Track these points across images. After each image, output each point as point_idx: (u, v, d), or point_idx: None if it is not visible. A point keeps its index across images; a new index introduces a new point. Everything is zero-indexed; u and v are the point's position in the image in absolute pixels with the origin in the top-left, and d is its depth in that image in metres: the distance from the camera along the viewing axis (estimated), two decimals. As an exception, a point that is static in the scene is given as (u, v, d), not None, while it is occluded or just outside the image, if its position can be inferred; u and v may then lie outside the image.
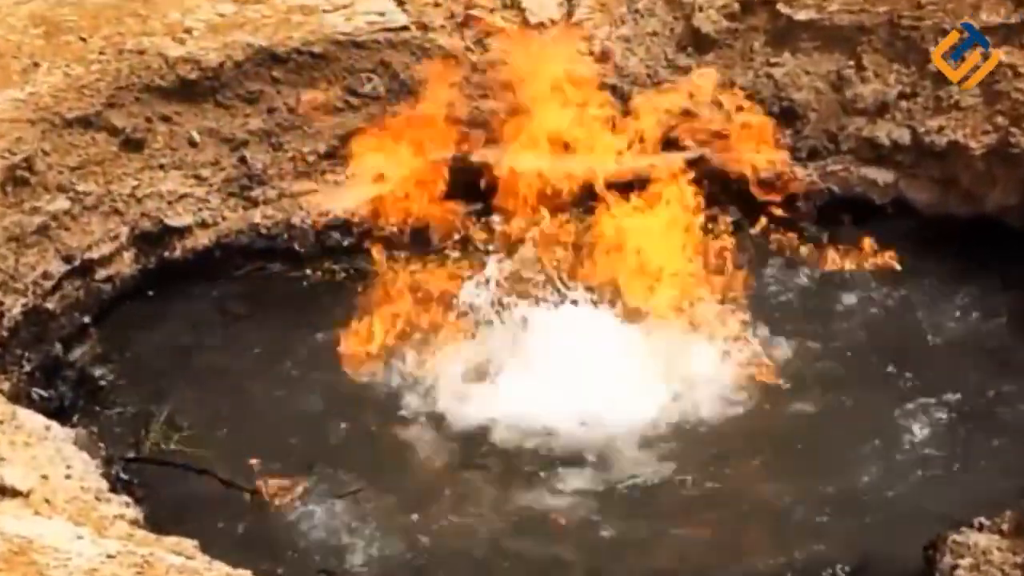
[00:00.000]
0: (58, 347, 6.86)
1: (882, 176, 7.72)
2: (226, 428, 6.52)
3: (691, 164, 7.65)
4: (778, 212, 7.65)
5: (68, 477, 5.16)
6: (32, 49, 7.20)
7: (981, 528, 4.95)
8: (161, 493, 5.95)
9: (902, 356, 6.84)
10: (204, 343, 7.16)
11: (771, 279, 7.43)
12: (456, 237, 7.68)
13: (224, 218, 7.56)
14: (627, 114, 7.70)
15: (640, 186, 7.43)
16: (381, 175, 7.70)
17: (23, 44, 7.24)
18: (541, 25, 7.78)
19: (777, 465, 6.24)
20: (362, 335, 6.85)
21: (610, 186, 7.42)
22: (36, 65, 7.10)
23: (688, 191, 7.29)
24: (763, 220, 7.70)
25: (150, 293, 7.41)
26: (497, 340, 6.83)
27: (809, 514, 5.91)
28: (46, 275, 6.82)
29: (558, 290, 7.00)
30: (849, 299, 7.31)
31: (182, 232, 7.44)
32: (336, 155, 7.73)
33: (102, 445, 5.97)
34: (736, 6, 7.90)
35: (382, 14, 7.71)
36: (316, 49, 7.57)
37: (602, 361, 6.62)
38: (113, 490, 5.35)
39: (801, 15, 7.80)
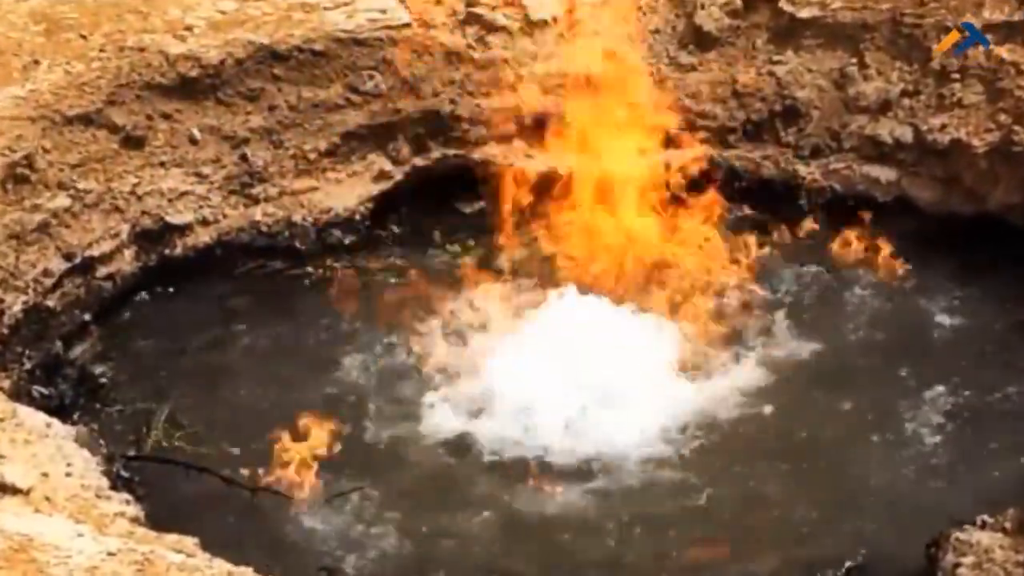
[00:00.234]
0: (59, 345, 6.85)
1: (885, 174, 7.70)
2: (227, 426, 6.51)
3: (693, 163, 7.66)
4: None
5: (69, 475, 5.16)
6: (33, 46, 7.19)
7: (984, 526, 4.94)
8: (162, 491, 5.94)
9: (904, 354, 6.83)
10: (205, 341, 7.15)
11: (773, 278, 7.41)
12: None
13: (225, 216, 7.55)
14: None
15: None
16: (383, 172, 7.71)
17: (24, 41, 7.23)
18: (543, 22, 7.75)
19: (779, 462, 6.23)
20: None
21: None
22: (36, 62, 7.09)
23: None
24: (765, 218, 7.70)
25: (151, 291, 7.40)
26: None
27: (811, 511, 5.90)
28: (47, 273, 6.81)
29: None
30: (851, 297, 7.30)
31: (183, 230, 7.43)
32: (337, 152, 7.72)
33: (103, 443, 5.97)
34: (738, 3, 7.88)
35: (384, 11, 7.70)
36: (317, 47, 7.56)
37: (611, 354, 6.62)
38: (114, 488, 5.35)
39: (804, 12, 7.78)
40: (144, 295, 7.39)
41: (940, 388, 6.54)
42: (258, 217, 7.62)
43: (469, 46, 7.76)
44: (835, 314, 7.19)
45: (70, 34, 7.30)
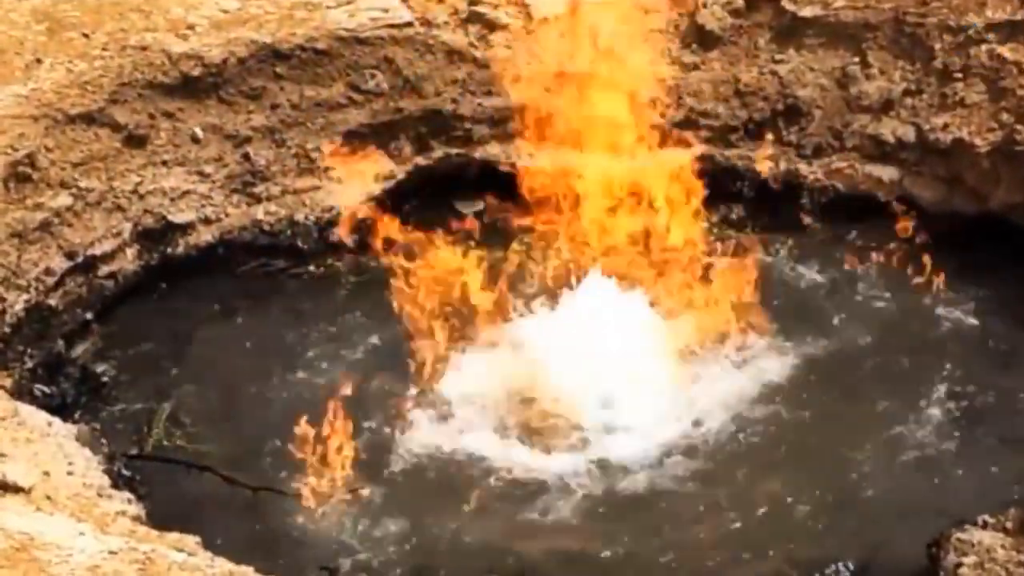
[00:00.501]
0: (60, 343, 6.85)
1: (887, 174, 7.70)
2: (228, 425, 6.52)
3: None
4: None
5: (70, 474, 5.16)
6: (35, 45, 7.20)
7: (985, 526, 4.94)
8: (163, 490, 5.95)
9: (906, 353, 6.83)
10: (207, 340, 7.15)
11: (774, 277, 7.40)
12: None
13: (227, 215, 7.55)
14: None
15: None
16: (386, 171, 7.71)
17: (26, 40, 7.23)
18: (545, 20, 7.75)
19: (781, 462, 6.23)
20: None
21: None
22: (39, 61, 7.09)
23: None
24: (766, 217, 7.70)
25: (152, 290, 7.40)
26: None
27: (813, 511, 5.91)
28: (48, 271, 6.82)
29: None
30: (853, 297, 7.29)
31: (185, 229, 7.43)
32: (339, 151, 7.71)
33: (104, 442, 5.98)
34: (741, 2, 7.87)
35: (386, 10, 7.70)
36: (319, 45, 7.56)
37: (614, 355, 6.63)
38: (115, 487, 5.36)
39: (806, 11, 7.78)
40: (146, 294, 7.38)
41: (941, 387, 6.55)
42: (260, 216, 7.62)
43: (471, 44, 7.75)
44: (835, 313, 7.17)
45: (72, 33, 7.30)
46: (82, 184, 7.02)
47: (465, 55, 7.75)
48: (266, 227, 7.62)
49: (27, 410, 5.62)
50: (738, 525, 5.87)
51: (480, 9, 7.76)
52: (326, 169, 7.70)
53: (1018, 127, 7.23)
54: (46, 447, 5.28)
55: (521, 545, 5.81)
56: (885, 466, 6.14)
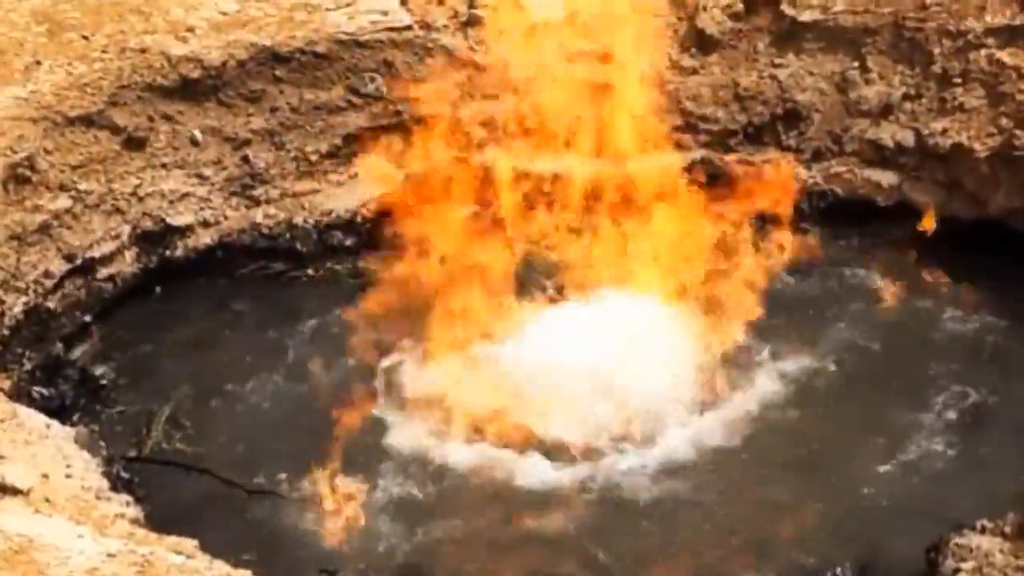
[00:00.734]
0: (59, 346, 6.86)
1: (886, 178, 7.70)
2: (227, 427, 6.51)
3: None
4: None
5: (69, 476, 5.16)
6: (35, 47, 7.20)
7: (983, 531, 4.94)
8: (162, 492, 5.95)
9: (905, 358, 6.84)
10: (205, 342, 7.15)
11: (775, 280, 7.40)
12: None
13: (226, 217, 7.55)
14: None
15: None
16: (384, 175, 7.71)
17: (26, 41, 7.23)
18: (543, 23, 7.75)
19: (780, 466, 6.23)
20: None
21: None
22: (38, 63, 7.09)
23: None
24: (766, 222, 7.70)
25: (151, 293, 7.40)
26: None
27: (811, 516, 5.91)
28: (47, 274, 6.81)
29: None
30: (852, 301, 7.29)
31: (184, 231, 7.44)
32: (338, 154, 7.72)
33: (103, 444, 5.97)
34: (740, 6, 7.87)
35: (385, 13, 7.70)
36: (319, 48, 7.56)
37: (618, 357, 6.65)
38: (114, 489, 5.36)
39: (805, 16, 7.78)
40: (145, 296, 7.38)
41: (940, 392, 6.55)
42: (259, 219, 7.62)
43: (471, 48, 7.75)
44: (835, 317, 7.18)
45: (72, 35, 7.30)
46: (81, 186, 7.02)
47: (465, 58, 7.75)
48: (265, 230, 7.62)
49: (26, 412, 5.62)
50: (738, 528, 5.86)
51: (480, 13, 7.75)
52: (325, 172, 7.69)
53: (1017, 132, 7.24)
54: (45, 449, 5.27)
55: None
56: (883, 470, 6.13)
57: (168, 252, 7.41)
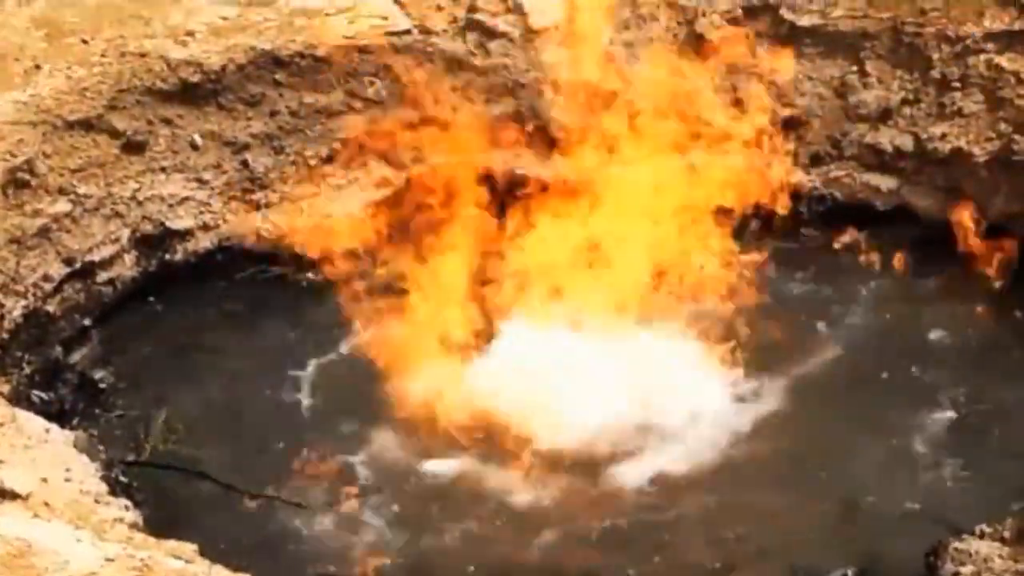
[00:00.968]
0: (58, 350, 6.85)
1: (885, 183, 7.71)
2: (226, 432, 6.51)
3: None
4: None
5: (68, 480, 5.16)
6: (34, 51, 7.20)
7: (983, 535, 4.95)
8: (161, 496, 5.94)
9: (904, 361, 6.84)
10: (205, 346, 7.15)
11: (774, 283, 7.41)
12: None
13: (226, 221, 7.55)
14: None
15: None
16: (384, 179, 7.71)
17: (25, 46, 7.23)
18: (544, 29, 7.75)
19: (779, 470, 6.23)
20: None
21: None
22: (38, 67, 7.10)
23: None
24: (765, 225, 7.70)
25: (151, 296, 7.40)
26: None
27: (811, 520, 5.91)
28: (47, 277, 6.82)
29: None
30: (852, 305, 7.30)
31: (183, 235, 7.43)
32: (338, 158, 7.72)
33: (102, 448, 5.97)
34: (739, 11, 7.87)
35: (385, 18, 7.70)
36: (319, 53, 7.56)
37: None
38: (113, 493, 5.35)
39: (804, 21, 7.78)
40: (144, 300, 7.38)
41: (939, 396, 6.56)
42: (259, 223, 7.61)
43: (470, 52, 7.76)
44: (834, 321, 7.18)
45: (72, 39, 7.31)
46: (81, 190, 7.02)
47: (464, 63, 7.75)
48: (264, 234, 7.62)
49: (25, 416, 5.61)
50: (737, 534, 5.86)
51: (479, 17, 7.76)
52: (324, 176, 7.70)
53: (1016, 136, 7.25)
54: (44, 453, 5.27)
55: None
56: (882, 474, 6.14)
57: (167, 256, 7.41)
